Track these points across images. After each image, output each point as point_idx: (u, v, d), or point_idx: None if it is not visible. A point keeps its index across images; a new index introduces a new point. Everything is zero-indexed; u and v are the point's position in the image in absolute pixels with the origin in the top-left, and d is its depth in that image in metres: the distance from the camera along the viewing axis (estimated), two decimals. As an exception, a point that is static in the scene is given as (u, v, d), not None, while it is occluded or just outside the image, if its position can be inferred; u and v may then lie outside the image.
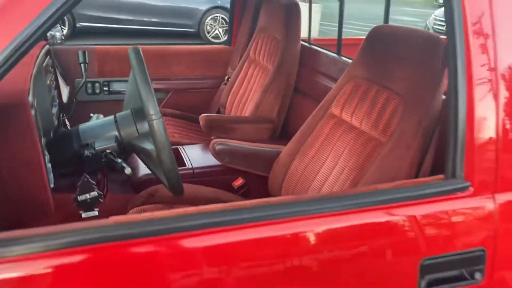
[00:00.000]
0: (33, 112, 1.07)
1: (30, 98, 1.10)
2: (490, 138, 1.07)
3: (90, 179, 1.30)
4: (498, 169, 1.08)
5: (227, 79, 2.68)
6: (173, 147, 2.08)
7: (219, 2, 8.42)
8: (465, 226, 1.09)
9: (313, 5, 11.30)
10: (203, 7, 8.33)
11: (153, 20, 8.17)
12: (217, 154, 1.79)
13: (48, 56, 1.72)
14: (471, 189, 1.07)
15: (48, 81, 1.59)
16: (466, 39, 1.04)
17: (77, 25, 7.88)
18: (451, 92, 1.06)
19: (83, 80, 1.62)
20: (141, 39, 7.77)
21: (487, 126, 1.07)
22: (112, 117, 1.40)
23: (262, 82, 2.33)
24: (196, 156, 2.04)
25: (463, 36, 1.04)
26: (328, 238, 1.00)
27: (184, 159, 2.01)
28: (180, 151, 2.08)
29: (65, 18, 7.80)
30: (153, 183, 1.76)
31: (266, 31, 2.45)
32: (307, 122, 1.76)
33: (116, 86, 2.64)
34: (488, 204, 1.09)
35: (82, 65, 1.61)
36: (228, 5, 6.83)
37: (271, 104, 2.26)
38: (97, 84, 2.61)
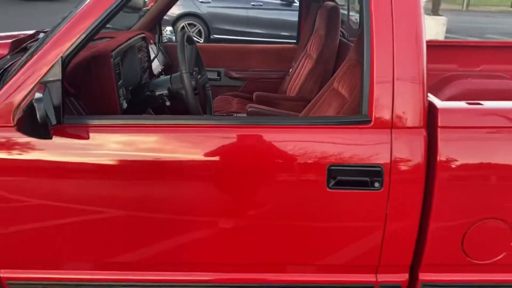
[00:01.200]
0: (112, 62, 1.85)
1: (113, 53, 1.88)
2: (387, 89, 1.53)
3: (152, 112, 2.06)
4: (394, 111, 1.54)
5: (290, 71, 3.29)
6: (228, 114, 2.77)
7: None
8: (366, 149, 1.56)
9: (438, 17, 11.11)
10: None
11: (282, 33, 8.80)
12: (248, 114, 2.43)
13: (144, 41, 2.55)
14: (372, 123, 1.55)
15: (139, 56, 2.41)
16: (371, 15, 1.54)
17: (211, 37, 9.05)
18: (362, 60, 1.56)
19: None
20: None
21: (385, 80, 1.54)
22: (169, 76, 2.15)
23: (308, 70, 2.90)
24: None
25: (369, 12, 1.54)
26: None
27: None
28: None
29: (202, 30, 9.08)
30: None
31: (318, 31, 3.02)
32: (318, 95, 2.31)
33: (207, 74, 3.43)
34: (385, 135, 1.54)
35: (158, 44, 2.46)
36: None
37: (311, 86, 2.82)
38: (194, 73, 3.44)
